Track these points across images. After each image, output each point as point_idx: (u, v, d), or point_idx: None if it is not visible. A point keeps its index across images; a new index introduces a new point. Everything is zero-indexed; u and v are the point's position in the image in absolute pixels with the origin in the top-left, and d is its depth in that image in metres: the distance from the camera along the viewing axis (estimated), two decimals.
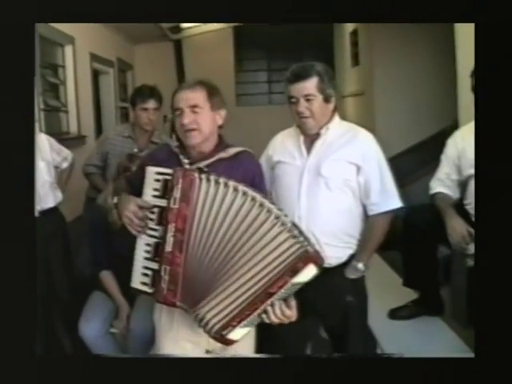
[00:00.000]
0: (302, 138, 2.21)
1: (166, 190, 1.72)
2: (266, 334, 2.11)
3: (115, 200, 1.86)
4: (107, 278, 2.65)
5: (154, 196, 1.75)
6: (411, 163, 5.22)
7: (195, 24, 7.68)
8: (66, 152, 3.27)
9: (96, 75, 5.89)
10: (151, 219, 1.75)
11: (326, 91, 2.13)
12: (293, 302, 1.65)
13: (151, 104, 3.26)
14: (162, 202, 1.73)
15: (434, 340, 2.81)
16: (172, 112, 1.88)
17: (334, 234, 2.14)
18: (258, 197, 1.61)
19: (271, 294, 1.59)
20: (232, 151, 1.89)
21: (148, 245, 1.76)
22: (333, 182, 2.12)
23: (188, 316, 1.76)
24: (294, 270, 1.56)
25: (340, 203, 2.14)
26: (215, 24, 7.79)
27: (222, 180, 1.65)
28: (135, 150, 3.17)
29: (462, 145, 2.77)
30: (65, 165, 3.25)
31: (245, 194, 1.62)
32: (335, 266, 2.16)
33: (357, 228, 2.21)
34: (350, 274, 2.19)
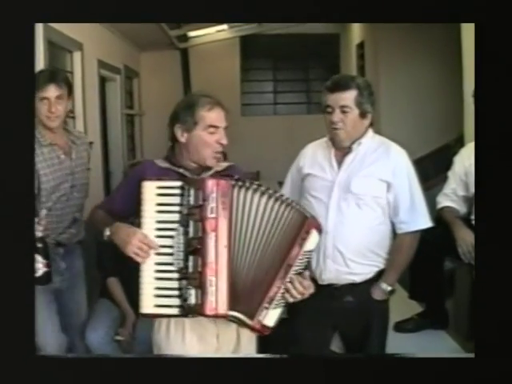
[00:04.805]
0: (333, 151, 2.16)
1: (182, 203, 1.68)
2: (275, 344, 2.11)
3: (107, 232, 1.78)
4: (113, 284, 2.65)
5: (160, 212, 1.70)
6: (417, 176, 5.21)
7: (202, 33, 7.71)
8: None
9: (103, 82, 5.91)
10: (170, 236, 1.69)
11: (363, 106, 2.08)
12: (306, 273, 1.78)
13: (51, 91, 2.36)
14: (172, 217, 1.69)
15: (438, 352, 2.80)
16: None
17: (359, 251, 2.11)
18: (273, 192, 1.74)
19: (290, 266, 1.72)
20: (223, 164, 1.92)
21: (160, 264, 1.70)
22: (362, 199, 2.08)
23: (197, 325, 1.81)
24: (302, 238, 1.73)
25: (368, 221, 2.10)
26: (222, 33, 7.83)
27: (248, 184, 1.73)
28: (62, 157, 2.44)
29: (469, 162, 2.78)
30: None
31: (269, 196, 1.73)
32: (360, 283, 2.14)
33: (384, 247, 2.16)
34: (376, 296, 2.15)
